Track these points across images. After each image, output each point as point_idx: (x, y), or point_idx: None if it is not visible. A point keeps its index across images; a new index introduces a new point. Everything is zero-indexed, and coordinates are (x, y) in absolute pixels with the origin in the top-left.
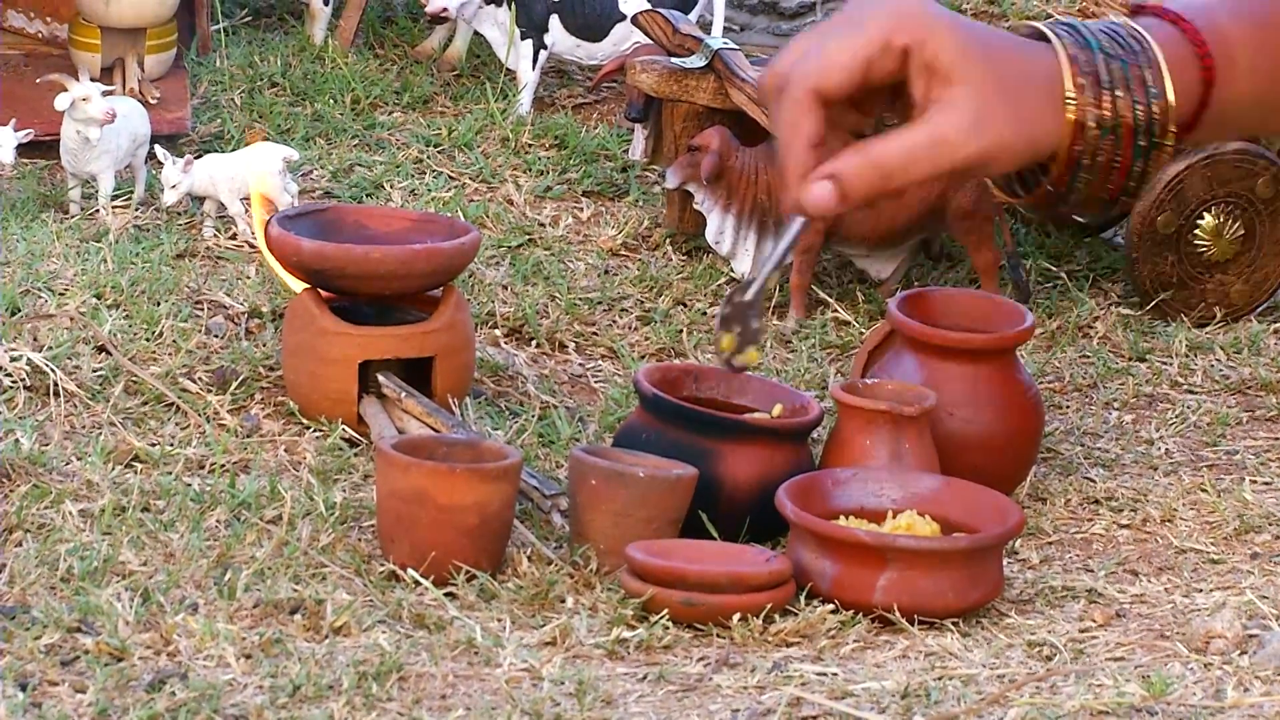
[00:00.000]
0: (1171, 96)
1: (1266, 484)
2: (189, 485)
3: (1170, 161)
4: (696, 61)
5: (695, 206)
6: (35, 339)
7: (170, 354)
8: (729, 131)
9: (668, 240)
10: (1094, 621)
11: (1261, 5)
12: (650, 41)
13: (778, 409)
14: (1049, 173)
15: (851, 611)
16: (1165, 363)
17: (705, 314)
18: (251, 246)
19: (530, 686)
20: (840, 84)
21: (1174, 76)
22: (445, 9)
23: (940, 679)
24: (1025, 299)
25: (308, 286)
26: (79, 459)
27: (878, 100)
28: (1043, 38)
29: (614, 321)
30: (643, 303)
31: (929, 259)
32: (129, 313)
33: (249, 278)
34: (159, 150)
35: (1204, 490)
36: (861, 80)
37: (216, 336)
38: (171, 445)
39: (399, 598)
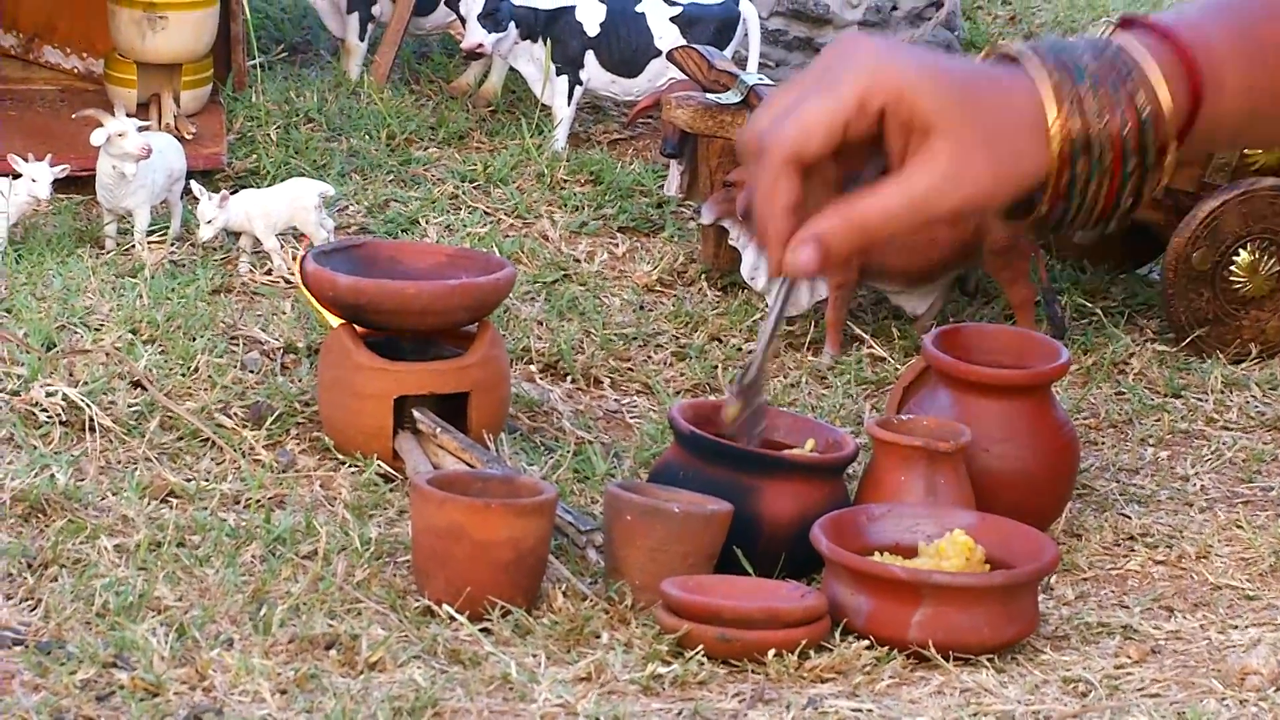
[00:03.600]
0: (1168, 114)
1: None
2: (224, 520)
3: (1207, 198)
4: (732, 97)
5: (730, 242)
6: (71, 374)
7: (206, 389)
8: None
9: (703, 276)
10: (1129, 658)
11: (1251, 20)
12: (685, 77)
13: (810, 444)
14: (1041, 200)
15: (886, 648)
16: (1200, 399)
17: (740, 350)
18: (287, 282)
19: None
20: (818, 149)
21: (1163, 85)
22: (481, 45)
23: (976, 716)
24: (1061, 335)
25: (343, 322)
26: (114, 494)
27: (858, 154)
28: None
29: (649, 357)
30: (678, 338)
31: (964, 295)
32: (165, 348)
33: (284, 313)
34: (194, 186)
35: (1239, 526)
36: (840, 141)
37: (252, 372)
38: (207, 480)
39: (434, 633)
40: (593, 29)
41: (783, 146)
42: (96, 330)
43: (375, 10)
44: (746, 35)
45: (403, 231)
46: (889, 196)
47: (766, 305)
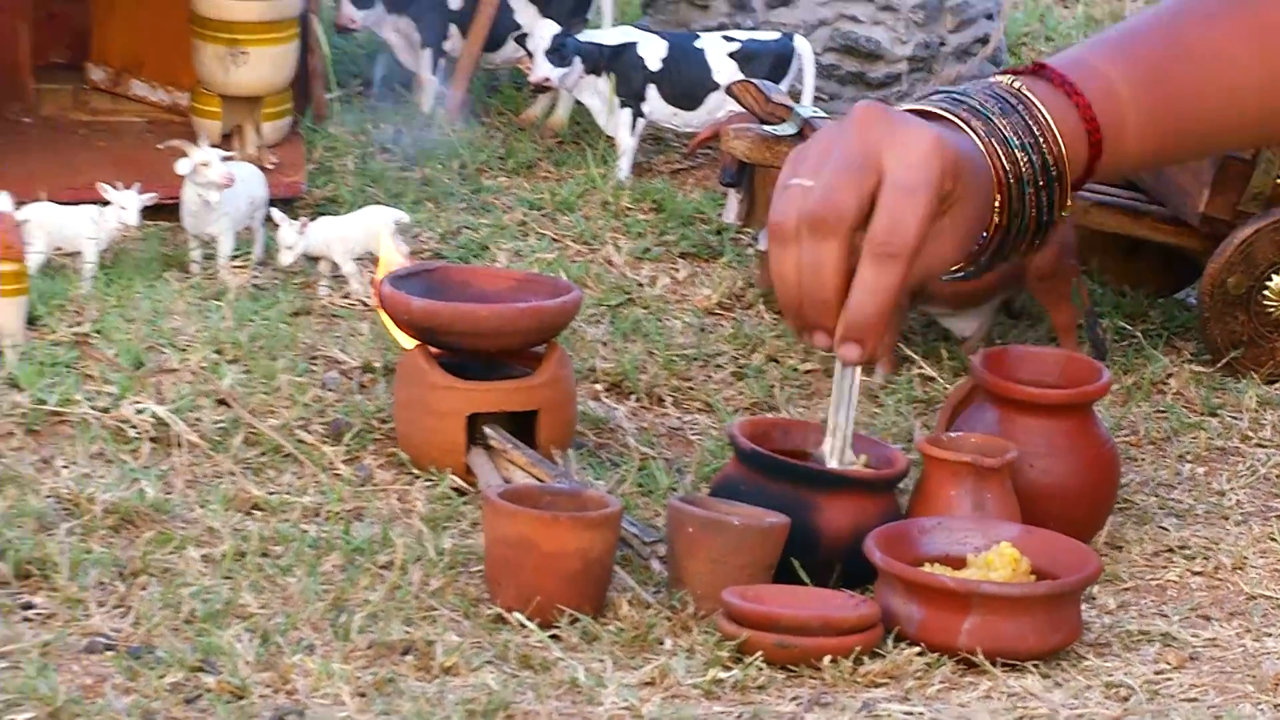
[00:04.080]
0: (1062, 146)
1: None
2: (305, 532)
3: (1241, 225)
4: (788, 129)
5: None
6: (159, 393)
7: (287, 407)
8: None
9: (760, 299)
10: (1168, 664)
11: (1155, 60)
12: (743, 110)
13: (863, 460)
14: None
15: (937, 654)
16: (1236, 417)
17: (796, 370)
18: (364, 304)
19: None
20: (853, 218)
21: (1062, 137)
22: (548, 78)
23: (1022, 719)
24: (1102, 356)
25: (418, 343)
26: (201, 507)
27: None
28: (939, 117)
29: (709, 377)
30: (737, 359)
31: (1010, 318)
32: (248, 367)
33: (362, 334)
34: (275, 213)
35: (1273, 539)
36: (869, 209)
37: (331, 390)
38: (289, 494)
39: (505, 639)
40: (654, 64)
41: (819, 222)
42: (183, 350)
43: (447, 46)
44: (801, 70)
45: (474, 257)
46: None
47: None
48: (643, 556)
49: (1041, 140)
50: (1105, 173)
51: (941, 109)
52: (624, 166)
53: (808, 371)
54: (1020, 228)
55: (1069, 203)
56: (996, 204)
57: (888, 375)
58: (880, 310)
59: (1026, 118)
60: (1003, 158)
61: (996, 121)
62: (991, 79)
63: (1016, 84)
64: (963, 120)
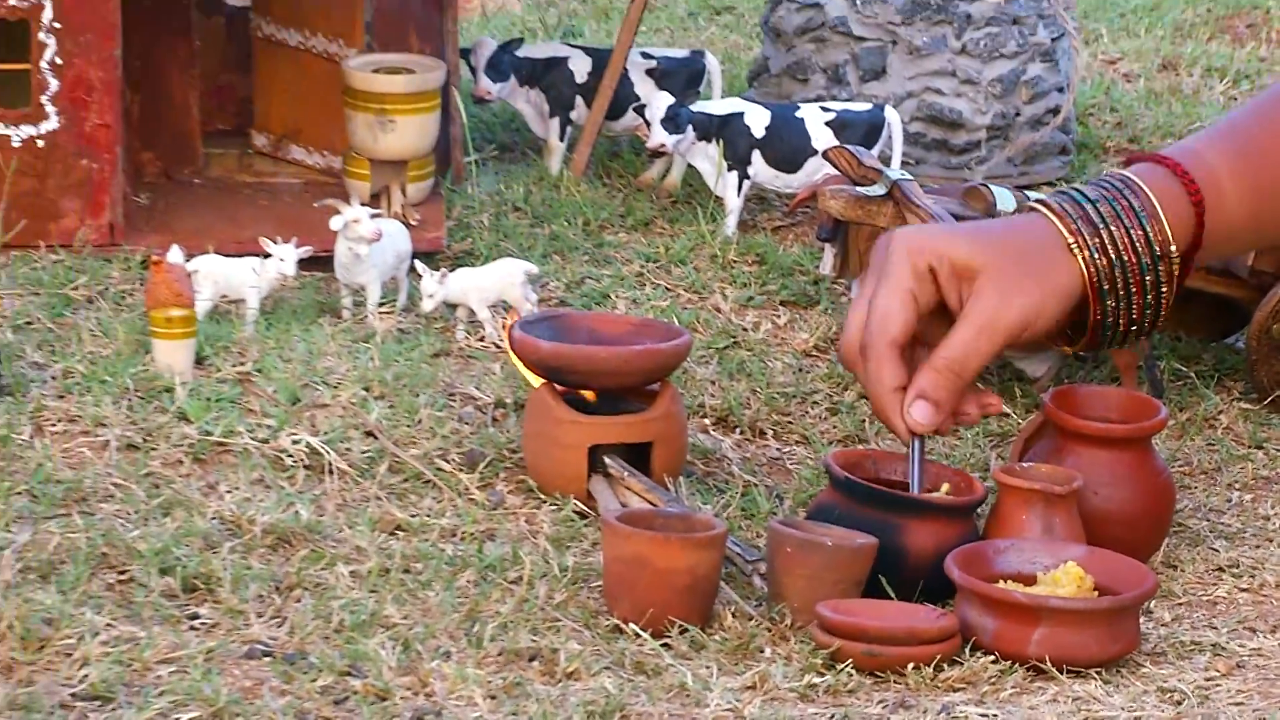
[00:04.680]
0: (1164, 218)
1: None
2: (443, 551)
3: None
4: (878, 190)
5: None
6: (313, 425)
7: (427, 438)
8: None
9: None
10: (1218, 671)
11: (1247, 134)
12: (838, 173)
13: (945, 488)
14: (1087, 311)
15: (1009, 662)
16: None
17: None
18: (497, 347)
19: None
20: (902, 326)
21: (1164, 207)
22: (664, 144)
23: None
24: (1159, 395)
25: (544, 381)
26: (349, 528)
27: (940, 322)
28: (1035, 209)
29: (806, 412)
30: (831, 396)
31: (1077, 360)
32: (392, 403)
33: (495, 373)
34: (418, 264)
35: None
36: (916, 313)
37: (467, 424)
38: (428, 516)
39: (622, 647)
40: (759, 131)
41: (874, 339)
42: (334, 388)
43: (573, 115)
44: (890, 137)
45: (595, 304)
46: (960, 334)
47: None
48: (745, 573)
49: (1146, 220)
50: (1211, 243)
51: (1034, 200)
52: (731, 224)
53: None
54: (1126, 304)
55: (1182, 274)
56: (1088, 286)
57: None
58: (875, 390)
59: (1134, 201)
60: (1093, 249)
61: (1097, 209)
62: (1110, 171)
63: (1129, 170)
64: (1046, 203)
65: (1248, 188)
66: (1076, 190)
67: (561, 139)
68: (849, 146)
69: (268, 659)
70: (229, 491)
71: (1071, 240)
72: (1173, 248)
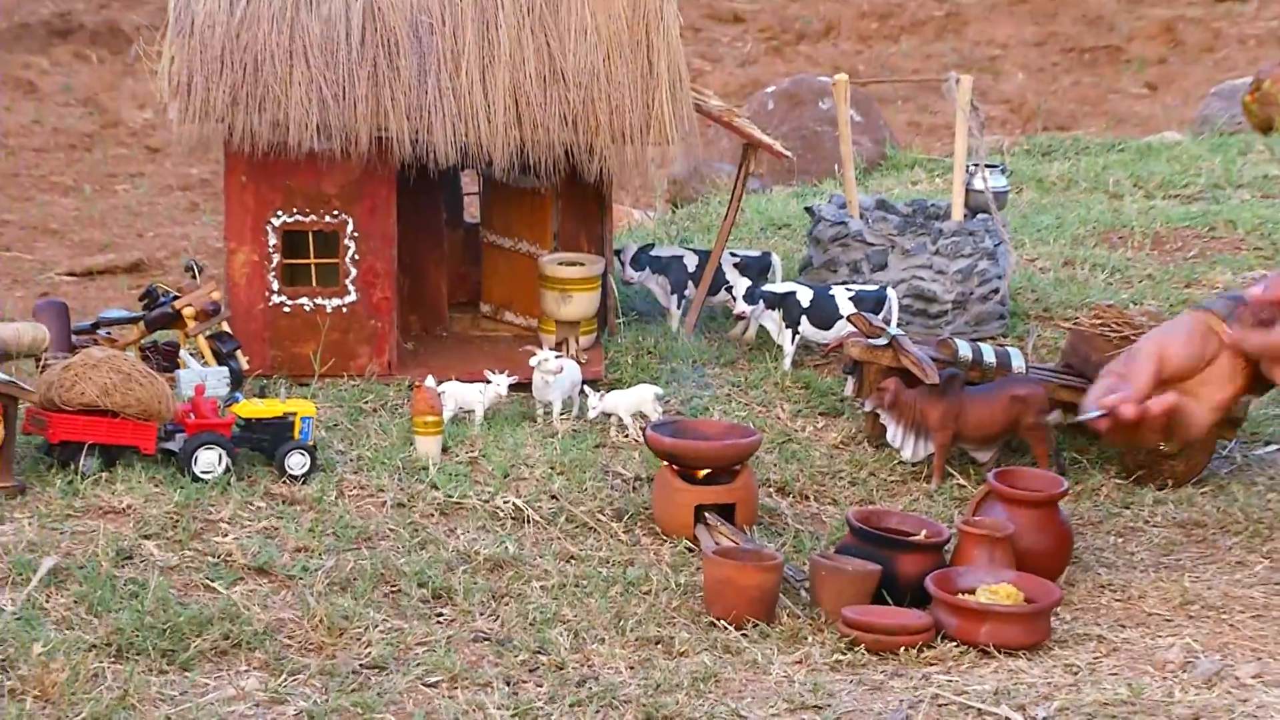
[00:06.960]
0: None
1: (1197, 577)
2: (600, 572)
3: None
4: (882, 341)
5: (881, 421)
6: (517, 491)
7: (591, 500)
8: (900, 380)
9: (866, 439)
10: (1101, 653)
11: None
12: (857, 330)
13: (924, 533)
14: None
15: (967, 647)
16: (1140, 510)
17: (885, 481)
18: (637, 441)
19: (787, 684)
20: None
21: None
22: (744, 312)
23: (1014, 684)
24: (1063, 474)
25: (666, 463)
26: (540, 558)
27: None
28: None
29: (835, 484)
30: (851, 473)
31: (1010, 451)
32: (568, 476)
33: (635, 458)
34: (586, 388)
35: (1162, 581)
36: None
37: (616, 491)
38: (591, 550)
39: (715, 636)
40: (806, 303)
41: (1145, 370)
42: (531, 467)
43: (686, 292)
44: (891, 307)
45: (699, 414)
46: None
47: (898, 453)
48: (795, 588)
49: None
50: None
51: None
52: (787, 363)
53: (893, 482)
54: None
55: None
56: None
57: (938, 484)
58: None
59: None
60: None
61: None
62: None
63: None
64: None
65: None
66: (1218, 299)
67: (678, 307)
68: (864, 313)
69: (486, 643)
70: (463, 534)
71: (1219, 325)
72: None
